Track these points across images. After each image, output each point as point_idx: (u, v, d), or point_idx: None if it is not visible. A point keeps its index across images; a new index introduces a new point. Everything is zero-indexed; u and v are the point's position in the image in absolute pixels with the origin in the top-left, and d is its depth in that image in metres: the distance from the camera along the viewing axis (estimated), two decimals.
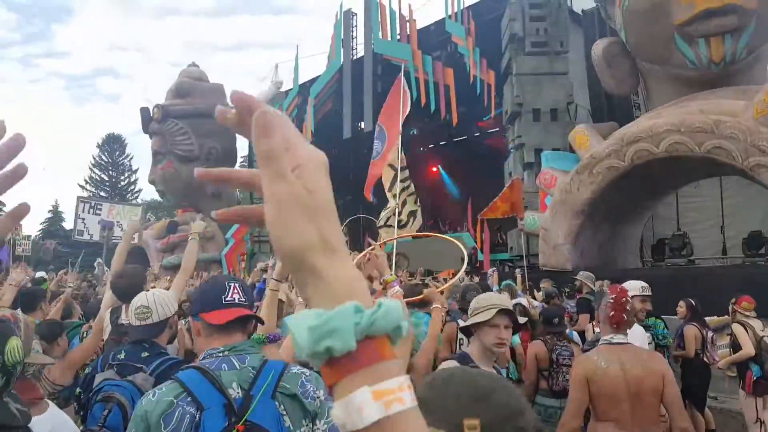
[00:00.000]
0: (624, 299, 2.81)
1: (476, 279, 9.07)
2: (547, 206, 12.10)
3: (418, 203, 7.74)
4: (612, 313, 2.78)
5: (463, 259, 4.43)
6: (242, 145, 26.47)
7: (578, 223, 10.50)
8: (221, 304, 1.66)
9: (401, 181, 7.25)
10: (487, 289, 5.70)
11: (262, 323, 2.09)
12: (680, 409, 2.76)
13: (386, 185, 7.90)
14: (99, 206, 22.91)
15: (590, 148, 10.58)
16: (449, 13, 15.75)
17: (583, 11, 14.33)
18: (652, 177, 10.20)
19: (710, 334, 5.51)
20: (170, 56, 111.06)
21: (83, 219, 22.66)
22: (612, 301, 2.80)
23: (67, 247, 34.41)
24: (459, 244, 4.97)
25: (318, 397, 1.64)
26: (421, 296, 4.75)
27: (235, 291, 1.70)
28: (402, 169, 7.38)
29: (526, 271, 10.69)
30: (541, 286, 8.41)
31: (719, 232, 12.44)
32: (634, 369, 2.67)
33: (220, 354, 1.61)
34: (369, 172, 9.15)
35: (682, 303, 5.72)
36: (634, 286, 4.49)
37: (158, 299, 2.41)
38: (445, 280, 9.53)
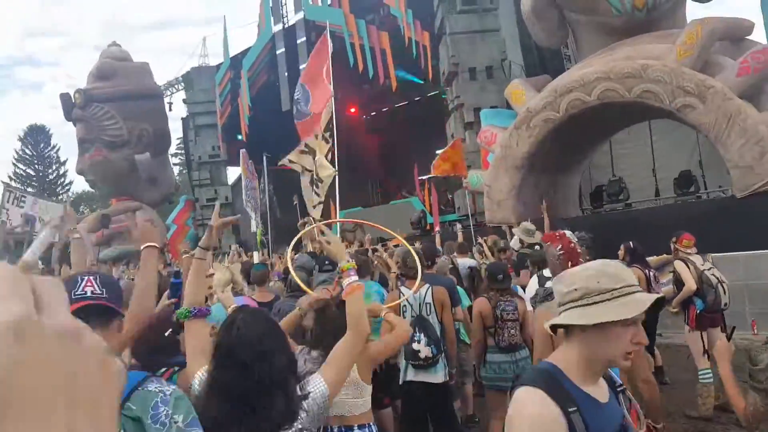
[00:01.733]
0: (572, 244, 2.79)
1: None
2: (489, 164, 12.29)
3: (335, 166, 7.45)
4: (570, 262, 2.69)
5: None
6: (176, 126, 25.41)
7: (519, 177, 10.71)
8: (70, 300, 1.46)
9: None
10: (432, 249, 5.68)
11: (121, 316, 1.69)
12: (641, 357, 2.70)
13: (320, 154, 7.70)
14: (23, 198, 21.63)
15: (526, 102, 10.74)
16: None
17: None
18: (587, 125, 10.47)
19: (653, 273, 5.63)
20: (93, 39, 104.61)
21: (7, 209, 21.42)
22: (563, 251, 2.75)
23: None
24: (393, 234, 4.86)
25: (175, 423, 1.37)
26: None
27: (89, 284, 1.47)
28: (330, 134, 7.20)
29: (473, 230, 10.92)
30: (479, 241, 8.57)
31: (651, 175, 13.00)
32: None
33: None
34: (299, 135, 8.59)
35: (622, 247, 5.91)
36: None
37: None
38: (396, 248, 9.59)
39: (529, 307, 4.37)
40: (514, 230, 6.76)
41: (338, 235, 6.46)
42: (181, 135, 25.86)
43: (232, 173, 23.92)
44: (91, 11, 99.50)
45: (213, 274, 3.64)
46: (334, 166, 6.91)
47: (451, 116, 14.14)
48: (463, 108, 13.45)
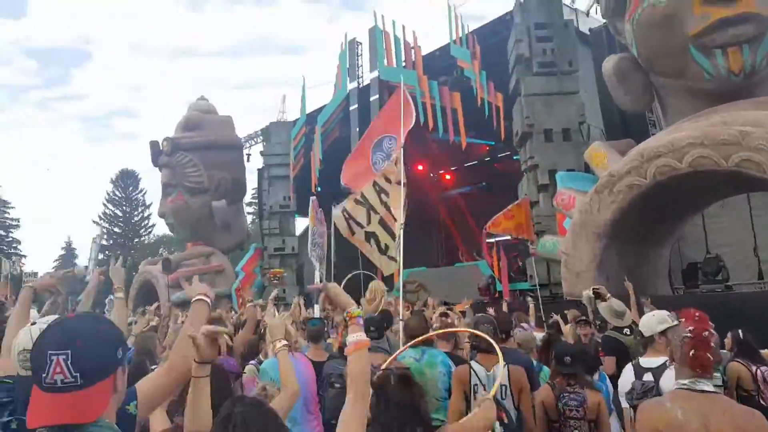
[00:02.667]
0: (706, 333, 2.21)
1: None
2: (566, 229, 11.63)
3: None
4: (693, 351, 2.17)
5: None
6: (251, 177, 26.40)
7: (601, 246, 10.00)
8: (40, 386, 1.22)
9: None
10: (507, 319, 5.15)
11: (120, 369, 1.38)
12: None
13: (394, 204, 7.29)
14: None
15: (608, 166, 10.15)
16: (454, 38, 15.62)
17: (590, 30, 14.10)
18: (676, 195, 9.72)
19: (763, 370, 4.59)
20: (184, 95, 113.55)
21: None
22: (691, 335, 2.21)
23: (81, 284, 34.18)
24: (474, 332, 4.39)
25: None
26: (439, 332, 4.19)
27: (59, 367, 1.19)
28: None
29: (540, 301, 10.20)
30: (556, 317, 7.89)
31: (752, 254, 11.84)
32: (723, 427, 2.05)
33: None
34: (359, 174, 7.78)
35: (729, 335, 5.10)
36: (661, 317, 3.73)
37: None
38: (464, 314, 9.01)
39: (624, 404, 3.74)
40: (600, 308, 5.97)
41: (400, 295, 6.07)
42: (255, 185, 26.77)
43: (300, 224, 24.33)
44: (185, 69, 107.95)
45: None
46: (400, 219, 6.52)
47: (524, 177, 13.68)
48: (537, 170, 12.98)
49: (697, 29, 9.04)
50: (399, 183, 6.43)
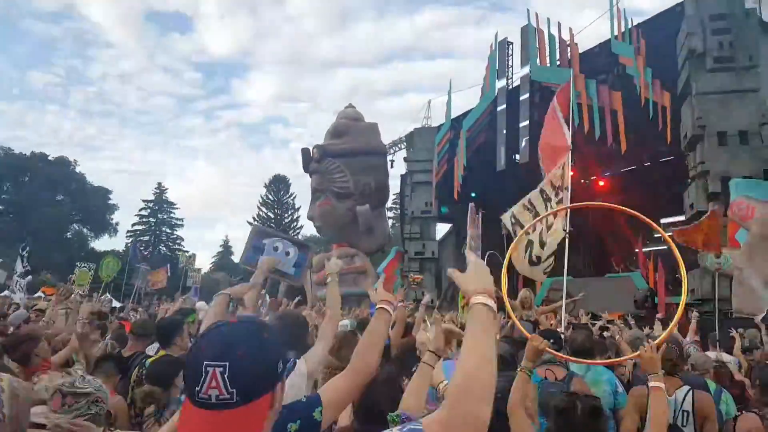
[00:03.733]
0: None
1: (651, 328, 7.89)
2: (737, 242, 10.42)
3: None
4: None
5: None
6: (394, 182, 27.13)
7: None
8: (193, 400, 1.09)
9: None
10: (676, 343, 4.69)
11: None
12: None
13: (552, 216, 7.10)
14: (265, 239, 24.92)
15: None
16: (615, 33, 14.69)
17: None
18: None
19: None
20: (334, 104, 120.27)
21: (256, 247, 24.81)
22: None
23: (237, 276, 37.61)
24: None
25: None
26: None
27: (215, 381, 1.07)
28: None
29: (717, 318, 9.22)
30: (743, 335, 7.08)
31: None
32: None
33: None
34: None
35: None
36: None
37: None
38: (616, 326, 8.42)
39: None
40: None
41: (563, 306, 5.86)
42: (398, 190, 27.45)
43: (441, 229, 24.49)
44: (335, 79, 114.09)
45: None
46: (565, 229, 6.31)
47: (692, 184, 12.48)
48: (708, 176, 11.78)
49: None
50: (564, 189, 6.26)
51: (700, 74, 12.04)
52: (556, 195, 6.37)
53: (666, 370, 3.44)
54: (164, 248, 50.84)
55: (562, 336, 4.81)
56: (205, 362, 1.08)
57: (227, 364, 1.08)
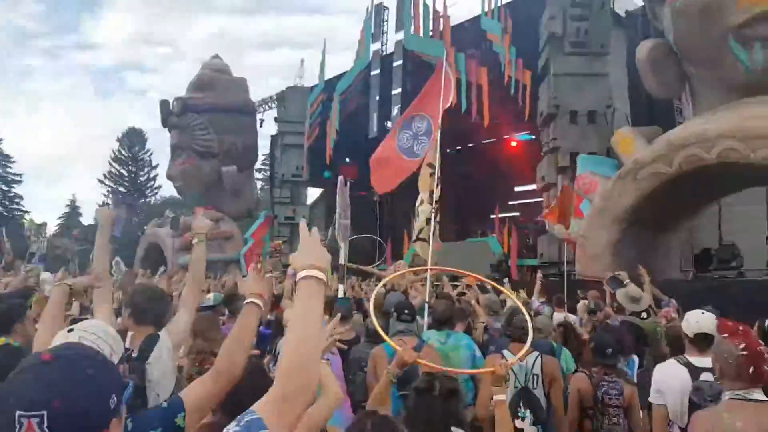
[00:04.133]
0: (760, 348, 2.26)
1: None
2: (581, 212, 11.66)
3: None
4: (753, 368, 2.21)
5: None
6: (264, 143, 26.18)
7: (619, 231, 10.07)
8: None
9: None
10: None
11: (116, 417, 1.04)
12: None
13: (423, 187, 7.43)
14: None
15: (634, 152, 10.14)
16: (485, 9, 15.36)
17: (626, 12, 13.87)
18: (700, 184, 9.72)
19: None
20: (199, 52, 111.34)
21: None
22: (747, 352, 2.24)
23: (87, 244, 34.22)
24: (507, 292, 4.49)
25: None
26: None
27: None
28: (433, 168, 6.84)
29: (564, 279, 10.24)
30: (587, 296, 7.94)
31: (765, 243, 11.89)
32: None
33: None
34: (399, 165, 7.61)
35: (755, 326, 5.14)
36: (707, 322, 3.30)
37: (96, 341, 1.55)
38: (475, 288, 9.04)
39: (656, 399, 3.46)
40: (618, 294, 6.04)
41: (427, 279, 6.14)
42: (267, 151, 26.60)
43: (312, 194, 24.30)
44: (198, 25, 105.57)
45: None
46: (432, 203, 6.57)
47: (544, 158, 13.63)
48: (559, 151, 12.94)
49: (739, 20, 8.93)
50: (431, 166, 6.46)
51: (558, 56, 13.04)
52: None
53: (517, 338, 3.79)
54: (0, 207, 44.38)
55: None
56: (18, 412, 0.90)
57: (44, 413, 0.91)
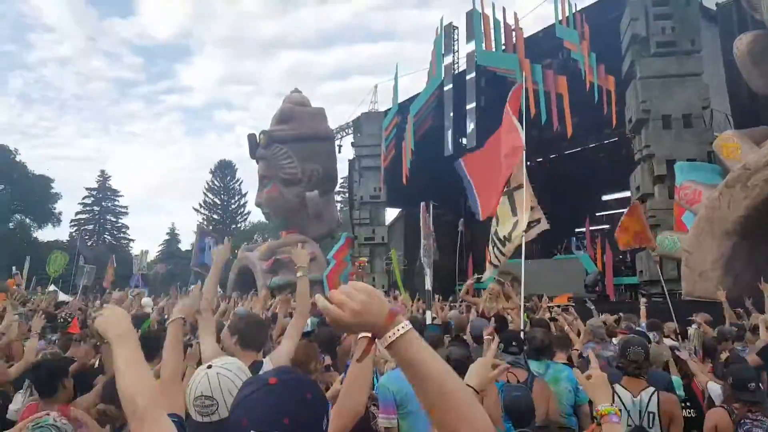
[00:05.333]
0: None
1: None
2: (683, 224, 10.70)
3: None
4: None
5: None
6: (342, 167, 26.79)
7: (730, 245, 9.08)
8: None
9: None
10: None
11: None
12: None
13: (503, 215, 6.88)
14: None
15: (741, 157, 9.17)
16: (560, 18, 14.73)
17: (717, 4, 12.78)
18: None
19: None
20: (278, 87, 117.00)
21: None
22: None
23: (181, 267, 36.49)
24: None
25: None
26: None
27: None
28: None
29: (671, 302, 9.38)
30: (695, 321, 7.18)
31: None
32: None
33: None
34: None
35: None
36: None
37: (226, 385, 1.69)
38: (563, 309, 8.42)
39: None
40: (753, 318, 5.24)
41: (521, 305, 5.75)
42: (346, 175, 27.18)
43: (390, 214, 24.42)
44: (276, 62, 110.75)
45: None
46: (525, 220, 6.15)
47: (638, 167, 12.73)
48: (653, 159, 12.03)
49: None
50: (521, 186, 6.10)
51: (643, 59, 12.21)
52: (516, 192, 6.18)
53: (630, 372, 3.42)
54: (109, 237, 49.21)
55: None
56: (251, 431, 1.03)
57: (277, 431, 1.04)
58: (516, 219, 6.04)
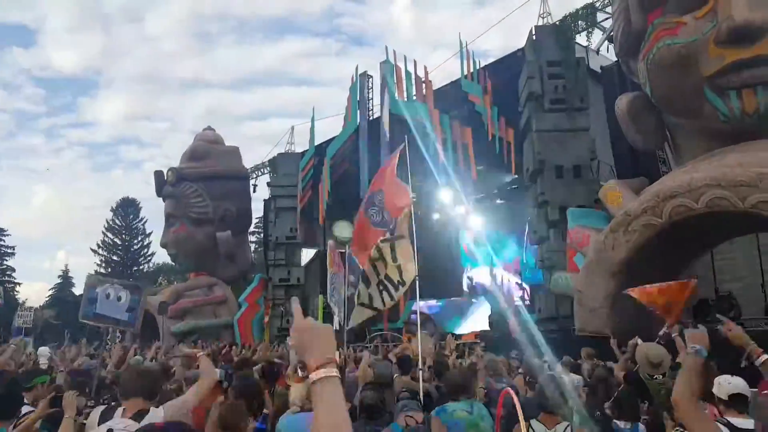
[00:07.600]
0: None
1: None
2: (575, 265, 11.56)
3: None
4: None
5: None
6: (257, 207, 26.37)
7: (615, 284, 9.92)
8: None
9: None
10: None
11: None
12: None
13: (402, 258, 7.11)
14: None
15: (623, 205, 10.15)
16: (465, 73, 15.80)
17: (602, 68, 14.27)
18: (691, 234, 9.69)
19: None
20: (195, 125, 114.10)
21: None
22: None
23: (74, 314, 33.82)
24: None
25: None
26: None
27: None
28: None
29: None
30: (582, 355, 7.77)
31: (760, 291, 11.75)
32: None
33: None
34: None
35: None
36: (740, 383, 3.35)
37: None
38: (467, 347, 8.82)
39: None
40: (637, 353, 5.61)
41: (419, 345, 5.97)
42: (260, 215, 26.76)
43: (306, 255, 24.25)
44: (193, 101, 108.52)
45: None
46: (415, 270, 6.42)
47: (534, 213, 13.66)
48: (548, 206, 12.98)
49: (712, 70, 9.13)
50: (404, 237, 6.45)
51: (539, 114, 13.28)
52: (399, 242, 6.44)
53: (548, 407, 3.61)
54: None
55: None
56: None
57: None
58: (398, 264, 6.31)
